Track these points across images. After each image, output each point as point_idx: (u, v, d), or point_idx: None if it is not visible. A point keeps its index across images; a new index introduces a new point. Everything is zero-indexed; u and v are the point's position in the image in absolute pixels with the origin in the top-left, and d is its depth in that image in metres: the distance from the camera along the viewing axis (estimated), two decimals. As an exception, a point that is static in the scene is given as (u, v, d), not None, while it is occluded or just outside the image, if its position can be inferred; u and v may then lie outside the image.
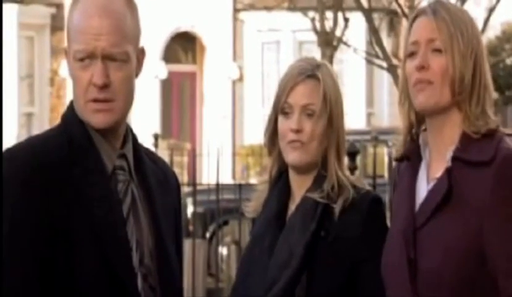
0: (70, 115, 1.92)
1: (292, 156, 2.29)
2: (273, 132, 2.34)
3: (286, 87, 2.30)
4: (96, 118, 1.87)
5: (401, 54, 2.11)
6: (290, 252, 2.24)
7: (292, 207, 2.33)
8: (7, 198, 1.82)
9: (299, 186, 2.32)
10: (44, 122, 16.15)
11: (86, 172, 1.87)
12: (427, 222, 1.96)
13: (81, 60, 1.87)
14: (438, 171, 2.00)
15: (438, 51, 1.99)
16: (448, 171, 1.96)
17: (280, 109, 2.31)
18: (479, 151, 1.94)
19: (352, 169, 5.35)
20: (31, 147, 1.89)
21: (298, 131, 2.28)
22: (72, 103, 1.94)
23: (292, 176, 2.34)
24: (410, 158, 2.06)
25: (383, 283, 2.07)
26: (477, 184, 1.92)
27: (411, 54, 2.02)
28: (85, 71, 1.87)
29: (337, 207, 2.25)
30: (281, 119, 2.31)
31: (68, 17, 1.91)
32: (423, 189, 2.02)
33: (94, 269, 1.84)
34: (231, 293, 2.36)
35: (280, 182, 2.35)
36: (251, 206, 2.39)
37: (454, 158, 1.97)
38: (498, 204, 1.90)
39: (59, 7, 16.39)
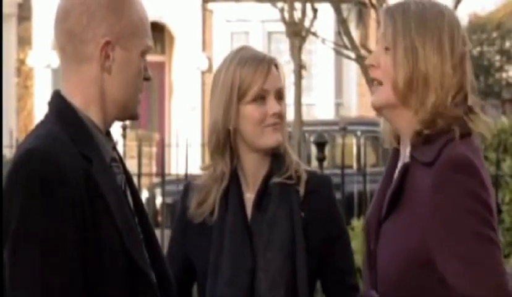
0: (66, 110, 1.90)
1: (274, 138, 2.32)
2: (230, 124, 2.34)
3: (261, 74, 2.32)
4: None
5: (370, 45, 2.07)
6: (288, 242, 2.26)
7: (247, 195, 2.35)
8: (44, 198, 1.78)
9: (255, 171, 2.35)
10: (11, 112, 16.00)
11: (97, 167, 1.87)
12: (387, 216, 1.95)
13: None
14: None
15: (386, 49, 1.94)
16: (403, 168, 1.93)
17: (254, 96, 2.32)
18: (425, 151, 1.90)
19: (321, 159, 5.36)
20: (52, 151, 1.83)
21: (280, 114, 2.33)
22: (60, 97, 1.92)
23: (252, 160, 2.35)
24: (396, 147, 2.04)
25: (352, 257, 2.15)
26: (421, 185, 1.89)
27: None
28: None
29: (301, 189, 2.31)
30: (253, 106, 2.33)
31: (127, 13, 1.93)
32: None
33: (120, 262, 1.84)
34: (210, 282, 2.31)
35: (234, 172, 2.35)
36: (201, 205, 2.36)
37: (411, 155, 1.94)
38: (436, 207, 1.85)
39: (26, -4, 16.22)
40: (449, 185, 1.84)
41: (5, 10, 16.10)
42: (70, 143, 1.85)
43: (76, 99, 1.91)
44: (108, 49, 1.90)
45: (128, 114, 1.96)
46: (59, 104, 1.92)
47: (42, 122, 1.92)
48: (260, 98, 2.32)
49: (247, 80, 2.33)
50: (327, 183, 2.36)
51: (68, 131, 1.87)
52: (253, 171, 2.35)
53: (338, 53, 12.31)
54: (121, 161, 1.97)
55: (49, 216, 1.78)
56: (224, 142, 2.35)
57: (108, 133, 1.96)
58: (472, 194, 1.84)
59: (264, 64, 2.33)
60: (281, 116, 2.34)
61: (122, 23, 1.92)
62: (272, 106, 2.32)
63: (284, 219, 2.28)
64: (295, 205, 2.30)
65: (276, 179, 2.32)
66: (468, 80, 1.95)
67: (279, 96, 2.36)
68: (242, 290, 2.26)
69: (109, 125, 1.96)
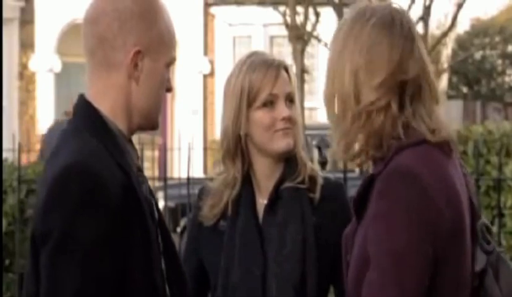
0: (96, 118, 1.88)
1: (284, 143, 2.32)
2: (241, 130, 2.34)
3: (270, 79, 2.32)
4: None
5: None
6: (299, 246, 2.26)
7: (260, 200, 2.35)
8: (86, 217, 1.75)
9: (268, 176, 2.34)
10: (13, 116, 16.03)
11: (133, 179, 1.86)
12: (357, 228, 1.97)
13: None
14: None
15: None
16: (367, 179, 1.95)
17: (263, 101, 2.32)
18: (377, 165, 1.93)
19: (323, 163, 5.37)
20: (93, 167, 1.80)
21: (290, 118, 2.32)
22: (87, 103, 1.90)
23: (264, 166, 2.35)
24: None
25: None
26: (372, 197, 1.91)
27: None
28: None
29: (317, 194, 2.30)
30: (263, 111, 2.33)
31: (157, 24, 1.92)
32: None
33: (141, 275, 1.83)
34: (221, 285, 2.32)
35: (246, 178, 2.36)
36: (212, 212, 2.37)
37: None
38: (374, 216, 1.85)
39: (28, 0, 16.24)
40: (388, 194, 1.83)
41: (7, 14, 16.13)
42: (107, 156, 1.83)
43: (103, 106, 1.90)
44: (138, 59, 1.90)
45: (151, 123, 1.95)
46: (87, 110, 1.90)
47: (73, 131, 1.89)
48: (270, 102, 2.32)
49: (256, 85, 2.32)
50: (341, 188, 2.37)
51: (102, 141, 1.85)
52: (266, 176, 2.35)
53: (340, 57, 12.31)
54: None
55: (92, 228, 1.76)
56: (234, 147, 2.35)
57: (131, 142, 1.95)
58: (409, 207, 1.80)
59: (273, 68, 2.33)
60: (291, 120, 2.32)
61: (152, 34, 1.91)
62: (281, 110, 2.31)
63: (295, 222, 2.28)
64: (307, 209, 2.29)
65: (287, 184, 2.32)
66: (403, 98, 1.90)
67: (290, 100, 2.34)
68: (252, 293, 2.26)
69: (133, 134, 1.94)
